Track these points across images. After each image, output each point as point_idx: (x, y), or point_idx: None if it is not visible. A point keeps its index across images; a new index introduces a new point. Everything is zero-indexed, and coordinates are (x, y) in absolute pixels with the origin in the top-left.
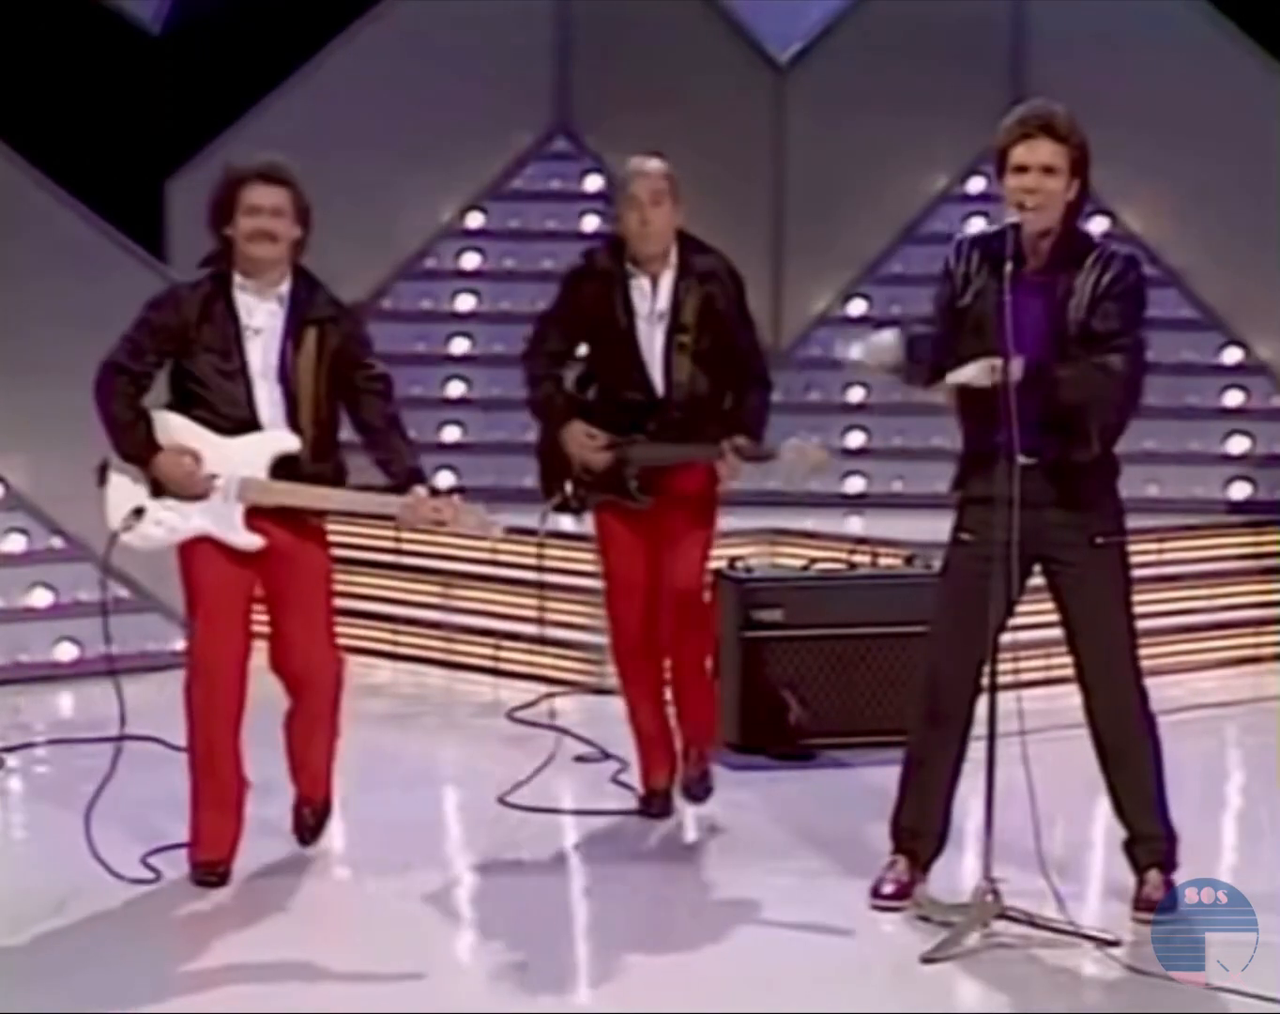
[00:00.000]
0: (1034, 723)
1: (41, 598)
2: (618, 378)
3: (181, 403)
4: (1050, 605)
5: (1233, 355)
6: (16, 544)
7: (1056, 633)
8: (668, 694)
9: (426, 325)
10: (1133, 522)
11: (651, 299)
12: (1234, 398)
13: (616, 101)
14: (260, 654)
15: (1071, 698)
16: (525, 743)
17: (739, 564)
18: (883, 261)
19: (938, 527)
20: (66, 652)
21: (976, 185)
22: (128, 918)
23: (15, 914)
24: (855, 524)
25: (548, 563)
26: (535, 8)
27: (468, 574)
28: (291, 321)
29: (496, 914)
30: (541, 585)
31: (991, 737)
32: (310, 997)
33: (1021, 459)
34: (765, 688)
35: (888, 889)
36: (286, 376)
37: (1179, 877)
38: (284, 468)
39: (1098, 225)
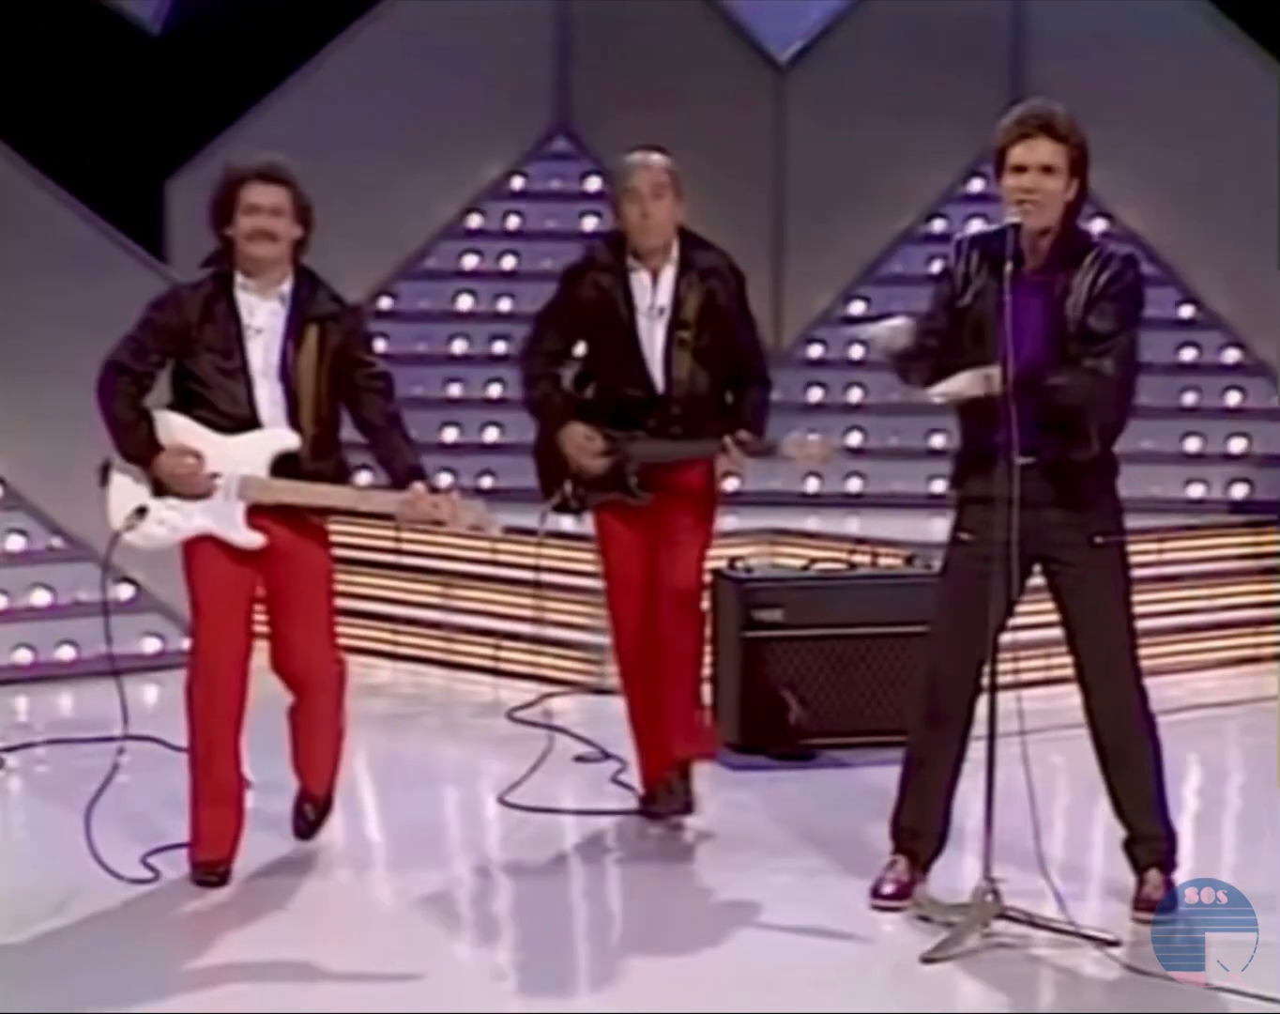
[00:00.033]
0: (1034, 723)
1: (41, 598)
2: (617, 374)
3: (183, 403)
4: (1050, 605)
5: (1232, 355)
6: (16, 544)
7: (1056, 633)
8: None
9: (427, 325)
10: (1133, 522)
11: (652, 293)
12: (1234, 398)
13: (616, 101)
14: (261, 654)
15: (1071, 698)
16: (525, 743)
17: (739, 564)
18: (883, 261)
19: (937, 527)
20: (66, 652)
21: (977, 185)
22: (128, 918)
23: (15, 914)
24: (855, 524)
25: (548, 563)
26: (535, 8)
27: (468, 574)
28: (293, 320)
29: (496, 914)
30: (539, 585)
31: (991, 737)
32: (310, 996)
33: (1020, 459)
34: (765, 688)
35: (888, 889)
36: (287, 375)
37: (1179, 877)
38: (284, 466)
39: (1098, 226)
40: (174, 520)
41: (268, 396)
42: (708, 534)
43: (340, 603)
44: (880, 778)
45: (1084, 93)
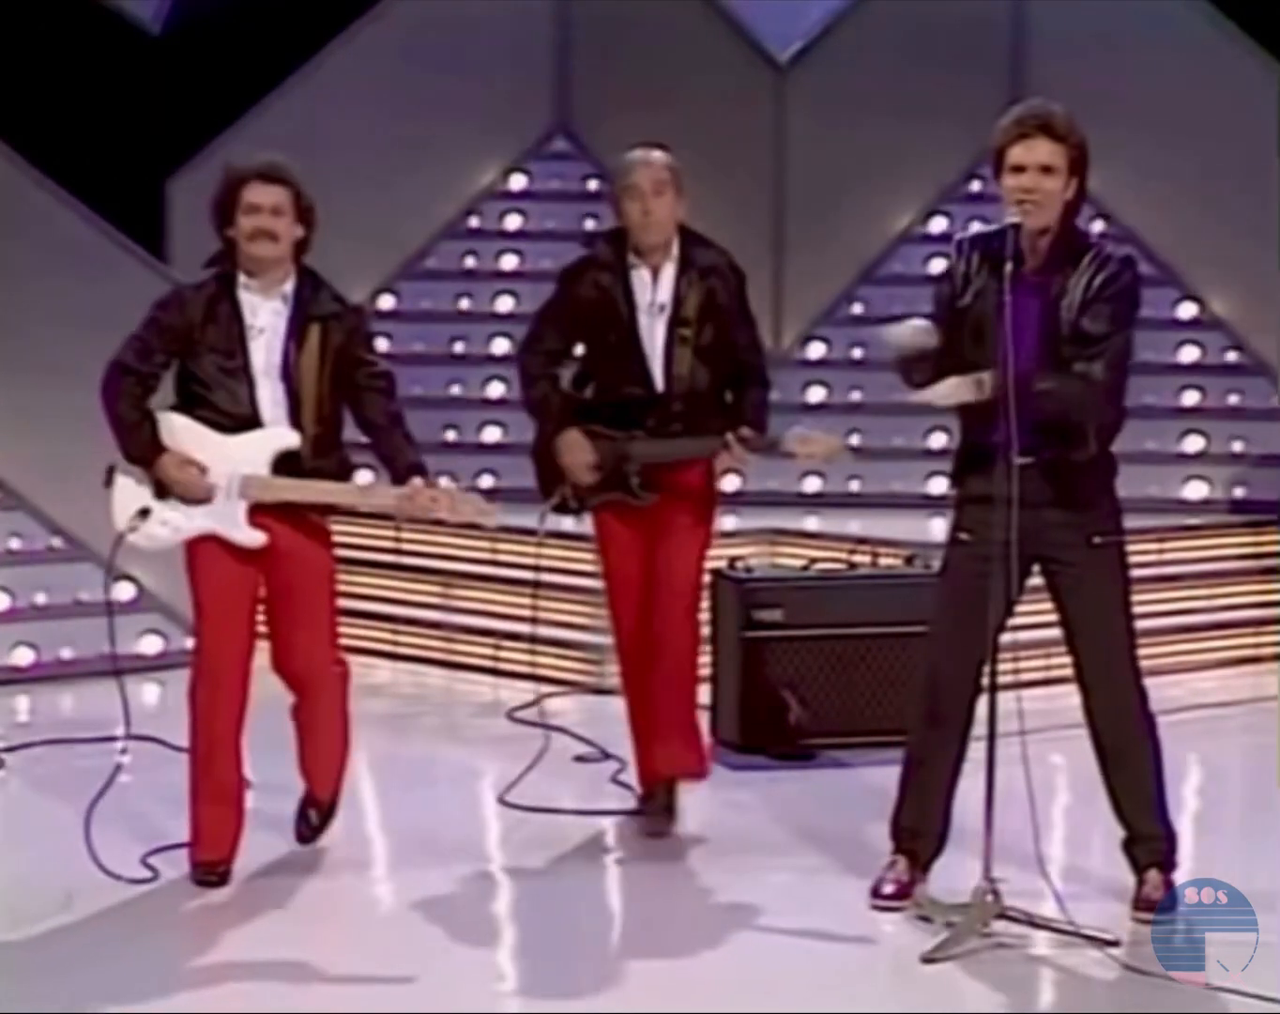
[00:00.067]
0: (1034, 723)
1: (40, 598)
2: (617, 373)
3: (185, 404)
4: (1050, 605)
5: (1232, 355)
6: (16, 544)
7: (1056, 633)
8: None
9: (427, 325)
10: (1132, 522)
11: (652, 291)
12: (1234, 398)
13: (616, 101)
14: (261, 654)
15: (1071, 698)
16: (525, 743)
17: (739, 564)
18: (883, 261)
19: (937, 527)
20: (67, 652)
21: (977, 186)
22: (128, 917)
23: (16, 913)
24: (855, 524)
25: (548, 563)
26: (535, 8)
27: (468, 574)
28: (295, 320)
29: (496, 914)
30: (537, 585)
31: (991, 737)
32: (310, 996)
33: (1019, 459)
34: (765, 688)
35: (888, 889)
36: (289, 375)
37: (1179, 877)
38: (286, 464)
39: (1098, 226)
40: (176, 521)
41: (269, 396)
42: (707, 534)
43: (340, 603)
44: (880, 778)
45: (1084, 93)
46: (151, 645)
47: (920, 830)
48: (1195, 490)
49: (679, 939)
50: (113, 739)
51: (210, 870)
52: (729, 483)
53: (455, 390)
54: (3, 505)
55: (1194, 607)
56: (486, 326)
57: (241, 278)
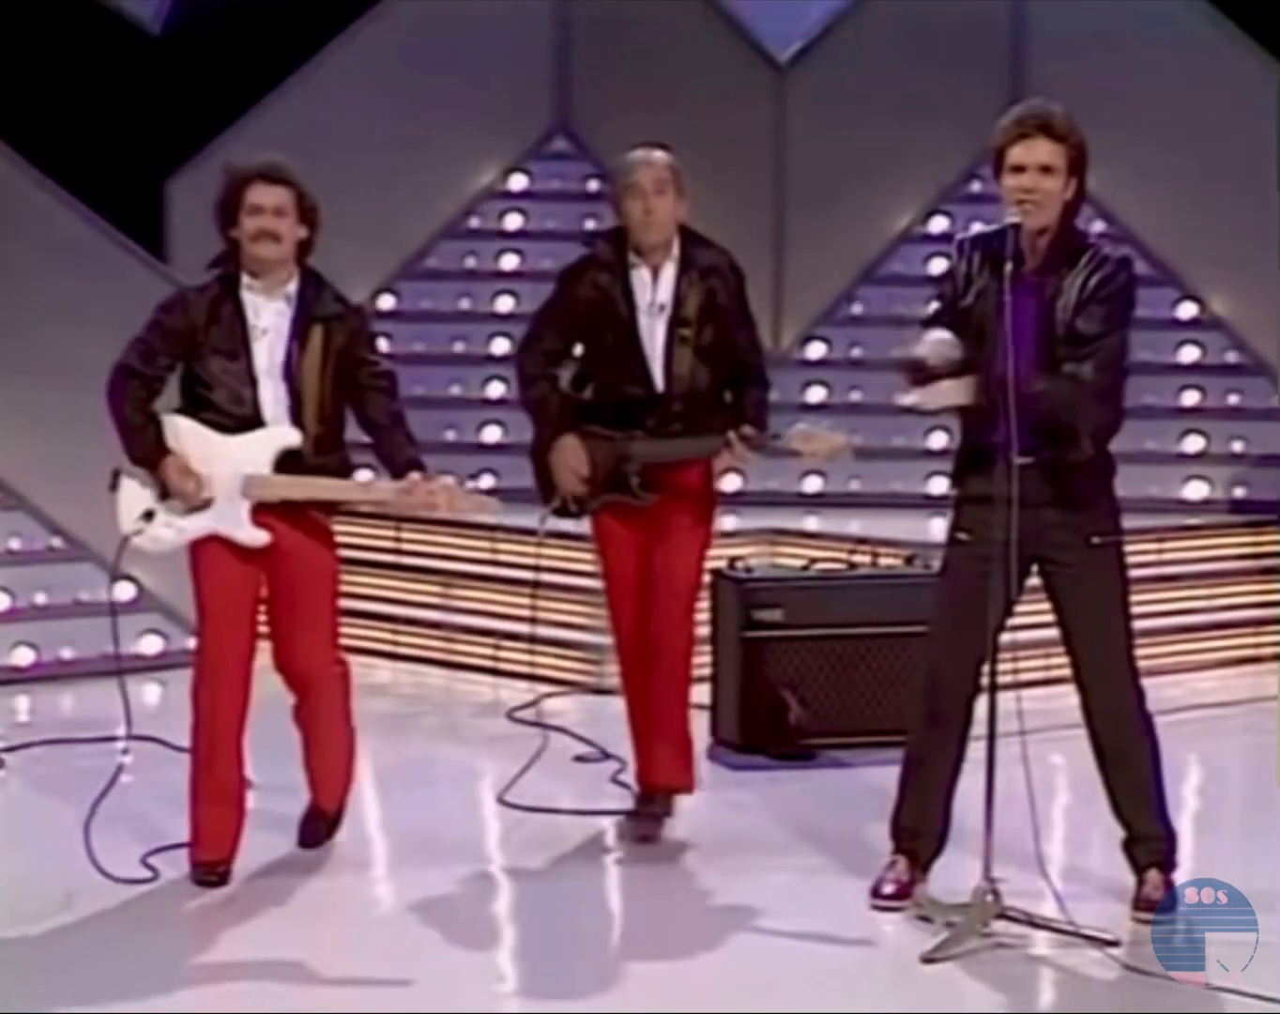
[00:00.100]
0: (1034, 723)
1: (40, 598)
2: (617, 372)
3: (190, 406)
4: (1049, 605)
5: (1232, 355)
6: (16, 544)
7: (1056, 633)
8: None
9: (428, 325)
10: (1132, 522)
11: (652, 290)
12: (1234, 398)
13: (616, 101)
14: (264, 653)
15: (1071, 698)
16: (525, 743)
17: (739, 564)
18: (882, 261)
19: (937, 527)
20: (67, 652)
21: (977, 186)
22: (128, 917)
23: (17, 912)
24: (855, 524)
25: (548, 563)
26: (535, 8)
27: (468, 574)
28: (298, 321)
29: (496, 914)
30: (536, 585)
31: (991, 737)
32: (310, 996)
33: (1018, 459)
34: (765, 688)
35: (888, 889)
36: (292, 375)
37: (1178, 876)
38: (288, 463)
39: (1098, 226)
40: (180, 522)
41: (272, 396)
42: (706, 534)
43: (341, 603)
44: (880, 778)
45: (1084, 93)
46: (152, 645)
47: (920, 830)
48: (1195, 490)
49: (679, 939)
50: (113, 739)
51: (210, 870)
52: (729, 483)
53: (455, 390)
54: (3, 505)
55: (1194, 607)
56: (486, 326)
57: (245, 279)
